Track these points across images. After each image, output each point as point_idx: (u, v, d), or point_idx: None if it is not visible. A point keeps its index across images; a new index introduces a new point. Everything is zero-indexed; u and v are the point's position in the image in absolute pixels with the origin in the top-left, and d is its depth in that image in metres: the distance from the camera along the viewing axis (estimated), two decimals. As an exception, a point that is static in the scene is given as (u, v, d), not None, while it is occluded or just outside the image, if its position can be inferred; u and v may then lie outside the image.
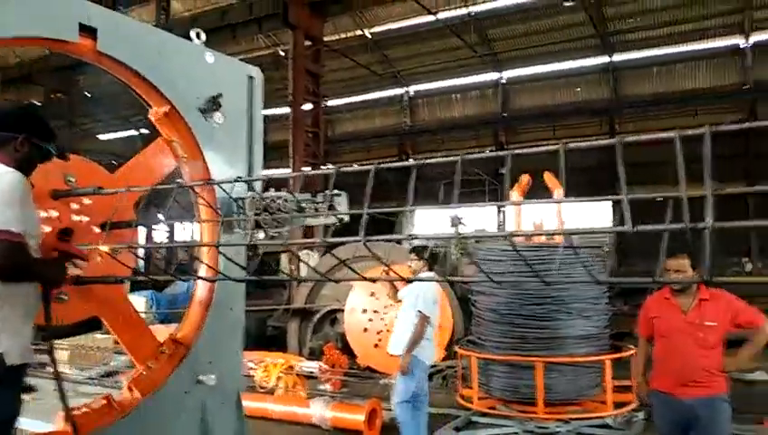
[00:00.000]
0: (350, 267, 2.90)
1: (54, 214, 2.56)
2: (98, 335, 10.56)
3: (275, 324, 12.27)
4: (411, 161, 1.46)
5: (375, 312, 9.42)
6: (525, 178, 6.85)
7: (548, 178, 6.84)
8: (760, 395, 7.90)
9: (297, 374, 7.31)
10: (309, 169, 15.89)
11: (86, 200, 2.56)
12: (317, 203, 3.27)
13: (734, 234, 20.85)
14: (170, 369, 3.15)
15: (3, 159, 2.20)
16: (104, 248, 2.39)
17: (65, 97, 26.05)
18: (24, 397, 2.32)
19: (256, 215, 3.15)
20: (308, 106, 16.91)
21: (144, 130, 27.05)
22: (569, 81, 24.67)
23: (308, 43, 16.81)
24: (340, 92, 27.29)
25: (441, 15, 20.55)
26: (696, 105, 22.58)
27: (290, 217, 3.08)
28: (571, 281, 6.25)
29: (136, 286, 11.99)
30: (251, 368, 7.40)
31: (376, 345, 9.22)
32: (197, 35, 3.46)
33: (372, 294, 9.33)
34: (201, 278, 3.11)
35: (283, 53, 21.42)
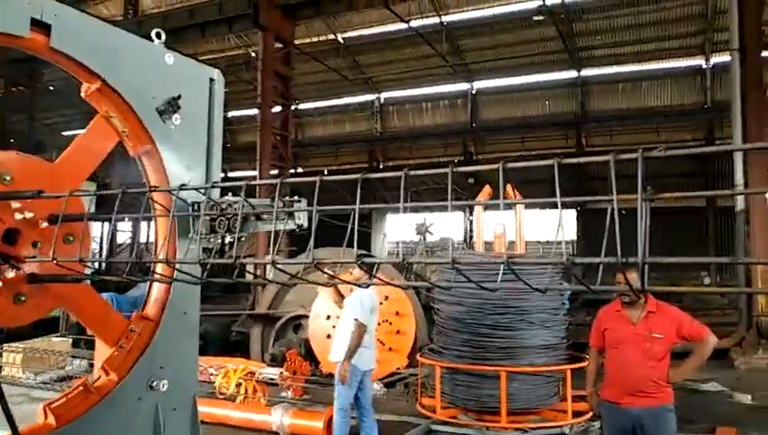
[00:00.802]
0: (301, 279, 2.86)
1: (-7, 218, 2.46)
2: (54, 338, 10.27)
3: (240, 330, 12.11)
4: (402, 172, 1.45)
5: (339, 318, 9.34)
6: (487, 189, 6.95)
7: (510, 190, 6.92)
8: (712, 405, 8.10)
9: (258, 381, 7.21)
10: (275, 172, 15.76)
11: (28, 194, 2.48)
12: (277, 208, 3.24)
13: (692, 248, 21.41)
14: (126, 369, 3.07)
15: None
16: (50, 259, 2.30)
17: (27, 90, 25.35)
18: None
19: (212, 220, 3.09)
20: (277, 109, 16.78)
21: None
22: (537, 93, 25.08)
23: (279, 45, 16.70)
24: (311, 96, 27.22)
25: (414, 24, 20.67)
26: (658, 122, 23.21)
27: (243, 221, 3.03)
28: (514, 287, 6.31)
29: (97, 288, 11.65)
30: (212, 374, 7.27)
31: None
32: (158, 35, 3.40)
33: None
34: (152, 280, 3.04)
35: (254, 54, 21.27)
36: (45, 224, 2.65)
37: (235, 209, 3.10)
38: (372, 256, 5.88)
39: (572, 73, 24.07)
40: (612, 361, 4.12)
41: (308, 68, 23.51)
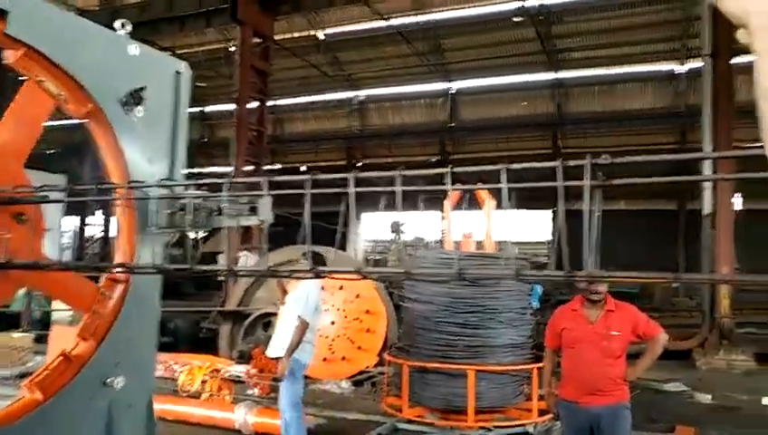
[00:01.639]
0: (275, 274, 2.86)
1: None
2: (15, 334, 10.07)
3: (209, 326, 12.02)
4: (397, 171, 1.47)
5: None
6: (457, 192, 6.97)
7: (480, 191, 6.96)
8: (674, 405, 8.26)
9: (223, 378, 7.15)
10: (251, 167, 15.64)
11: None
12: (240, 204, 3.23)
13: (660, 251, 21.78)
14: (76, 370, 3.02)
15: None
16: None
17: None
18: None
19: (171, 214, 3.08)
20: (254, 104, 16.65)
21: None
22: (516, 94, 25.25)
23: (257, 40, 16.57)
24: (291, 92, 27.05)
25: (394, 22, 20.68)
26: (633, 125, 23.54)
27: (207, 216, 3.02)
28: (488, 277, 6.36)
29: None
30: (176, 371, 7.20)
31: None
32: (122, 25, 3.35)
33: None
34: (113, 271, 3.01)
35: (233, 49, 21.09)
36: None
37: (198, 205, 3.09)
38: (320, 255, 5.85)
39: (550, 75, 24.29)
40: (570, 360, 4.15)
41: (288, 63, 23.36)
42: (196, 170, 28.51)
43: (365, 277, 1.67)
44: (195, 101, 22.02)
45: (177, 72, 3.78)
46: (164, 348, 7.37)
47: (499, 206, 6.62)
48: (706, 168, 12.14)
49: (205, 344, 11.13)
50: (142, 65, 3.45)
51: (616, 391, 4.02)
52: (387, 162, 26.94)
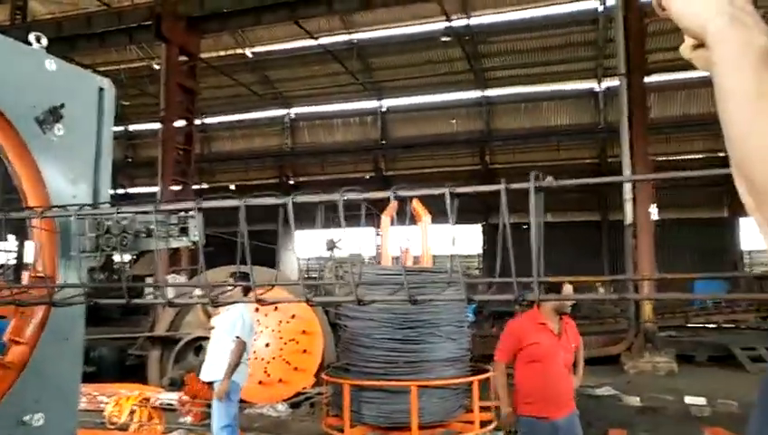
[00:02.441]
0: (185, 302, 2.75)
1: None
2: None
3: (137, 353, 11.47)
4: (391, 190, 1.44)
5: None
6: (393, 205, 6.99)
7: (416, 204, 7.01)
8: (605, 409, 8.54)
9: (154, 407, 6.82)
10: (179, 187, 15.18)
11: None
12: (169, 225, 3.10)
13: (589, 260, 22.70)
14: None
15: None
16: None
17: None
18: None
19: (97, 237, 2.91)
20: (181, 123, 16.21)
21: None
22: (445, 112, 25.84)
23: (184, 58, 16.19)
24: (219, 110, 26.58)
25: (323, 41, 20.74)
26: (557, 141, 24.56)
27: (134, 238, 2.87)
28: (439, 300, 6.40)
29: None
30: (102, 402, 6.81)
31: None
32: (37, 39, 3.16)
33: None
34: (30, 303, 2.81)
35: (158, 66, 20.52)
36: None
37: (124, 227, 2.94)
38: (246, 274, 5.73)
39: (478, 93, 25.01)
40: (538, 375, 4.04)
41: (216, 82, 22.97)
42: (121, 191, 27.41)
43: (310, 304, 1.62)
44: (118, 120, 21.21)
45: (100, 89, 3.63)
46: (88, 378, 6.98)
47: (434, 221, 6.69)
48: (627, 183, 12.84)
49: (132, 372, 10.63)
50: (61, 81, 3.28)
51: (571, 400, 4.13)
52: (319, 180, 26.85)
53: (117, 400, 6.63)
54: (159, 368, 10.13)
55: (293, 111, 27.36)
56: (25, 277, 3.19)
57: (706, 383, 10.04)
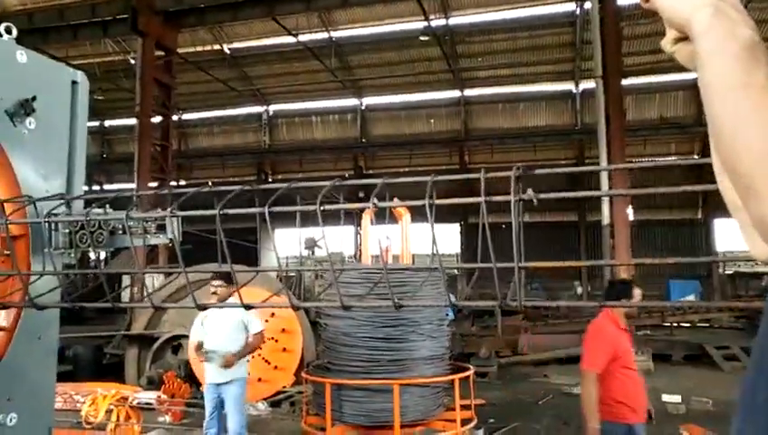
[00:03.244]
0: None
1: None
2: None
3: (113, 352, 11.30)
4: (381, 179, 1.39)
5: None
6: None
7: (396, 203, 6.97)
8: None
9: (131, 406, 6.70)
10: (155, 184, 14.97)
11: None
12: (146, 222, 3.04)
13: (564, 260, 22.94)
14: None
15: None
16: None
17: None
18: None
19: (72, 233, 2.82)
20: (158, 118, 15.99)
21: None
22: (423, 112, 25.89)
23: (160, 52, 15.96)
24: (196, 106, 26.29)
25: (302, 38, 20.61)
26: (534, 141, 24.76)
27: (110, 235, 2.79)
28: (424, 305, 6.40)
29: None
30: (78, 401, 6.67)
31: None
32: (7, 30, 3.06)
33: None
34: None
35: (133, 61, 20.20)
36: None
37: (100, 223, 2.87)
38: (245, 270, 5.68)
39: (456, 93, 25.11)
40: (629, 380, 3.87)
41: (193, 77, 22.70)
42: (96, 187, 26.94)
43: (297, 309, 1.59)
44: (93, 115, 20.83)
45: (74, 82, 3.54)
46: (63, 377, 6.82)
47: (415, 219, 6.67)
48: (604, 182, 13.00)
49: (109, 371, 10.46)
50: (32, 74, 3.19)
51: None
52: (298, 177, 26.70)
53: (93, 399, 6.50)
54: (137, 367, 9.98)
55: (272, 107, 27.17)
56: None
57: (682, 382, 10.19)
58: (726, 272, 23.10)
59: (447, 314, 7.33)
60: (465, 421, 6.56)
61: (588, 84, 21.66)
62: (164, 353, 9.91)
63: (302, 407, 7.23)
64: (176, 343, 9.85)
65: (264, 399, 8.47)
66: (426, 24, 20.02)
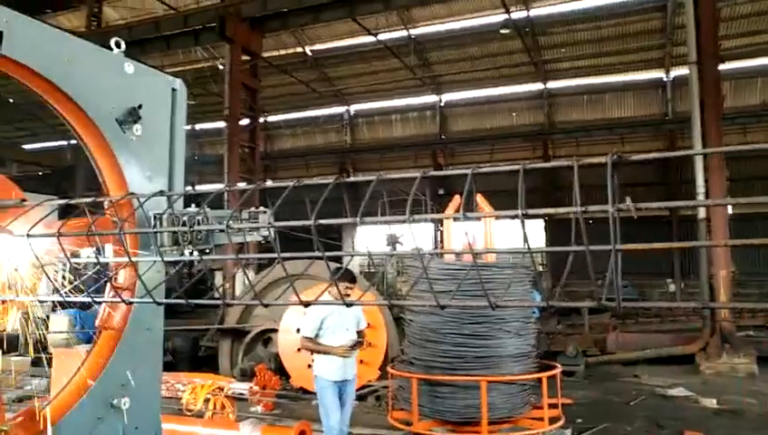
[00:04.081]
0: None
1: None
2: (13, 358, 9.91)
3: (208, 344, 11.89)
4: (375, 176, 1.42)
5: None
6: (457, 200, 6.95)
7: (480, 200, 6.93)
8: (680, 410, 8.20)
9: (226, 396, 7.06)
10: (244, 184, 15.59)
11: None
12: (241, 220, 3.19)
13: (656, 256, 21.84)
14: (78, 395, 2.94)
15: None
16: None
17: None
18: None
19: (174, 232, 3.01)
20: (245, 121, 16.65)
21: (74, 141, 25.97)
22: (505, 105, 25.44)
23: (246, 57, 16.61)
24: (280, 109, 27.12)
25: (382, 37, 20.80)
26: (622, 133, 23.72)
27: (208, 234, 2.96)
28: (520, 304, 6.32)
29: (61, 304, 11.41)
30: (179, 390, 7.09)
31: (309, 365, 9.03)
32: (117, 44, 3.32)
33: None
34: (110, 301, 2.93)
35: (222, 67, 21.13)
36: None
37: (199, 221, 3.04)
38: (341, 267, 5.82)
39: (538, 86, 24.50)
40: None
41: (277, 80, 23.45)
42: (189, 188, 28.48)
43: (392, 307, 1.64)
44: (186, 119, 21.95)
45: (173, 90, 3.76)
46: (164, 367, 7.27)
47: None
48: (699, 171, 12.27)
49: (205, 363, 11.02)
50: (138, 83, 3.42)
51: None
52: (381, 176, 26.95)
53: (193, 388, 6.90)
54: (230, 359, 10.47)
55: (353, 107, 27.60)
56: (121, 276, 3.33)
57: (789, 386, 9.50)
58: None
59: (534, 312, 7.20)
60: (552, 420, 6.44)
61: (680, 71, 20.52)
62: (255, 346, 10.34)
63: (388, 401, 7.33)
64: (266, 337, 10.25)
65: (351, 392, 8.65)
66: (506, 16, 19.69)
